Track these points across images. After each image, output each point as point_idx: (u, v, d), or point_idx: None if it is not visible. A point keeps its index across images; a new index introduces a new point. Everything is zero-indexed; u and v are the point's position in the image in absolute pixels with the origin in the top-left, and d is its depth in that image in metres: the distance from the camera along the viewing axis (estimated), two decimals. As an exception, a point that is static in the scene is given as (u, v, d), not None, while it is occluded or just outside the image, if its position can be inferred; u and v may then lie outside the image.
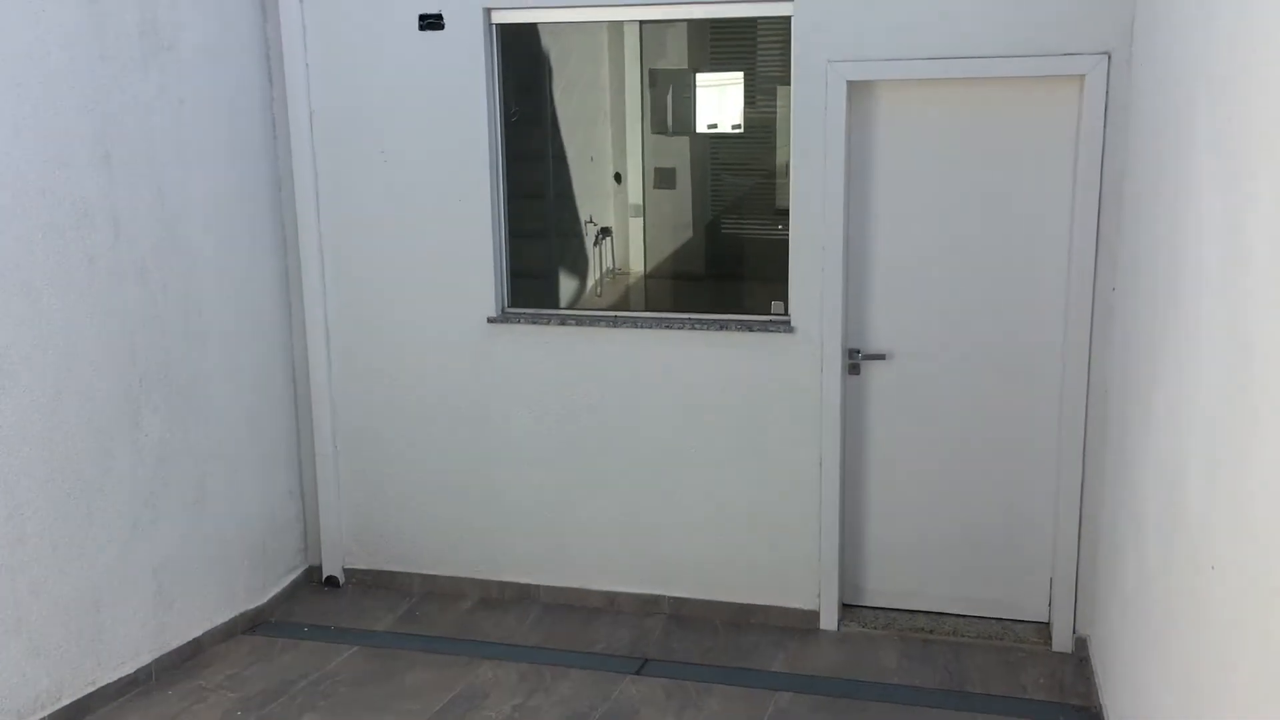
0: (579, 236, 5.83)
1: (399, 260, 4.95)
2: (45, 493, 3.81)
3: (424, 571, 5.18)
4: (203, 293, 4.51)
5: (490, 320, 4.88)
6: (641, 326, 4.75)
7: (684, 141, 5.46)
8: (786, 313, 4.64)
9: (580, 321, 4.80)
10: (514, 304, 4.96)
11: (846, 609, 4.86)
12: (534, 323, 4.84)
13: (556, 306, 4.97)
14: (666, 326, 4.72)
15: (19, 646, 3.72)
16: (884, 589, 4.83)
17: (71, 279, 3.89)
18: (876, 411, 4.69)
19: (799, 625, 4.79)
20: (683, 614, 4.91)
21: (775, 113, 4.69)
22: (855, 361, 4.67)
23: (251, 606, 4.85)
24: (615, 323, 4.78)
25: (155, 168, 4.23)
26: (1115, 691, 3.77)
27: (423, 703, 4.18)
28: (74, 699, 3.94)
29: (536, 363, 4.88)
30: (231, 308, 4.68)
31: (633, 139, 5.49)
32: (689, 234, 5.50)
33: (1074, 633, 4.53)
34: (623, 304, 5.64)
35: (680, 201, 5.54)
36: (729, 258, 5.23)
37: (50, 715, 3.84)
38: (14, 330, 3.68)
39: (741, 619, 4.85)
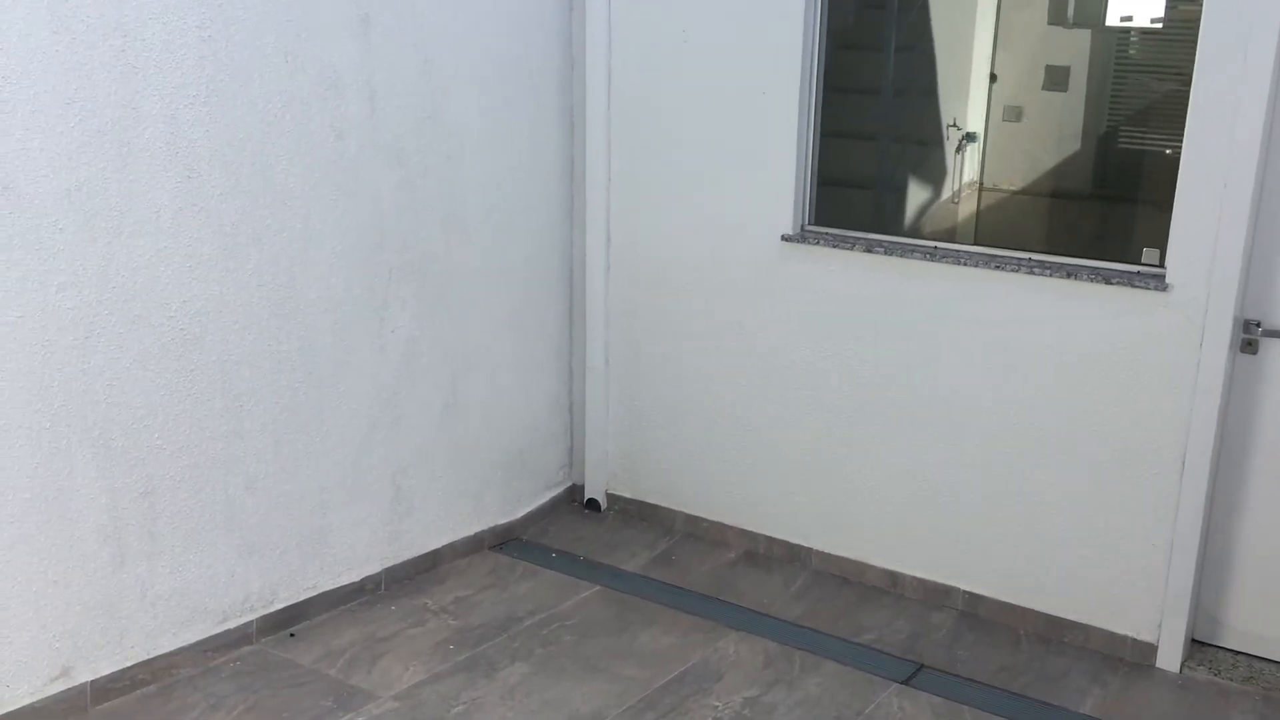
0: (926, 143, 4.97)
1: (691, 157, 4.28)
2: (270, 385, 3.54)
3: (688, 511, 4.62)
4: (470, 179, 4.07)
5: (785, 238, 4.13)
6: (965, 263, 3.82)
7: (1084, 35, 4.54)
8: (1162, 264, 3.55)
9: (889, 250, 3.94)
10: (817, 220, 4.16)
11: (1196, 647, 3.80)
12: (835, 246, 4.04)
13: (871, 228, 4.11)
14: (997, 266, 3.77)
15: (228, 543, 3.52)
16: (1251, 630, 3.72)
17: (314, 156, 3.54)
18: (1275, 403, 3.54)
19: (1127, 657, 3.80)
20: (978, 614, 4.05)
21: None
22: (1252, 337, 3.52)
23: (502, 522, 4.50)
24: (934, 255, 3.89)
25: (423, 35, 3.78)
26: None
27: (646, 673, 3.64)
28: (289, 603, 3.74)
29: (833, 293, 4.09)
30: (503, 198, 4.22)
31: (1019, 29, 4.63)
32: (1075, 146, 4.52)
33: None
34: (957, 231, 4.73)
35: (1070, 107, 4.56)
36: (1120, 180, 4.26)
37: (261, 618, 3.65)
38: (244, 207, 3.38)
39: (1052, 634, 3.92)
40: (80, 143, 2.95)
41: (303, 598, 3.78)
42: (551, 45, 4.28)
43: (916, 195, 5.03)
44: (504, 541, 4.51)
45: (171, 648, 3.40)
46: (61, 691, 3.14)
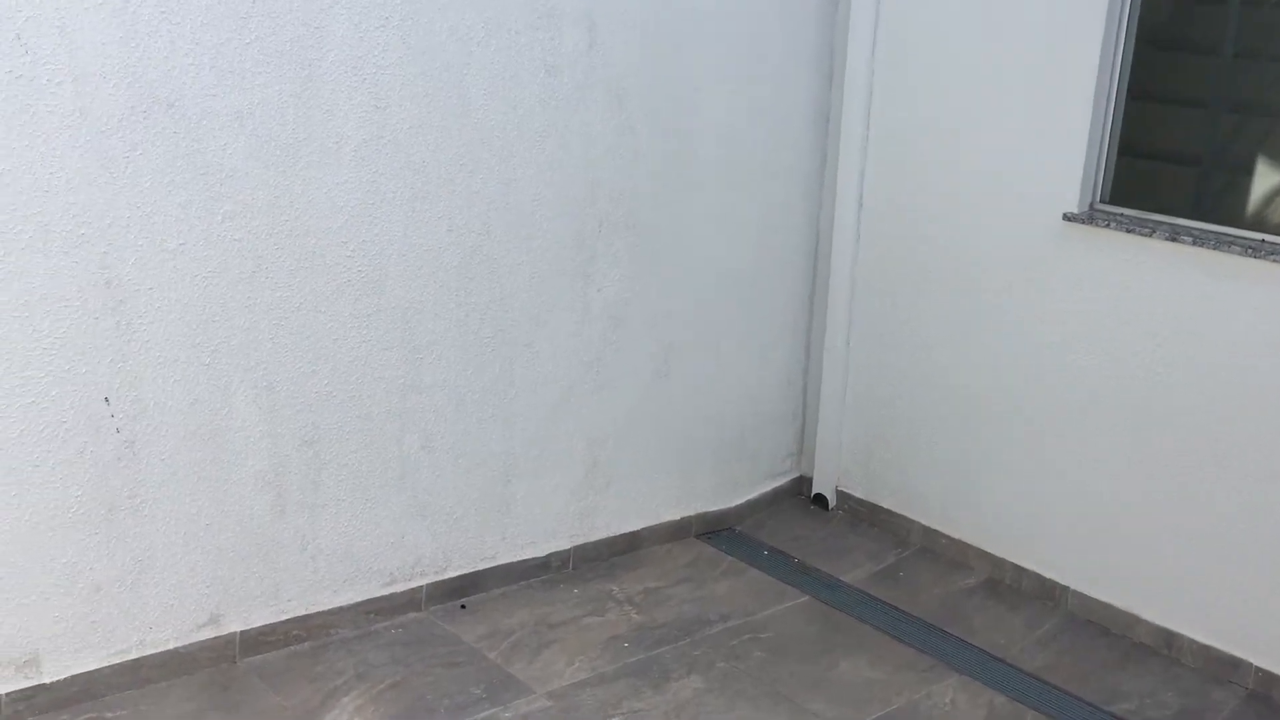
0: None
1: (963, 113, 3.65)
2: (455, 338, 3.27)
3: (926, 522, 4.02)
4: (701, 126, 3.63)
5: (1068, 217, 3.43)
6: (1299, 262, 3.01)
7: None
8: None
9: (1199, 239, 3.18)
10: (1113, 199, 3.44)
11: None
12: (1129, 230, 3.31)
13: (1187, 213, 3.34)
14: (1344, 269, 2.94)
15: (400, 502, 3.29)
16: None
17: (520, 92, 3.21)
18: None
19: None
20: (1272, 697, 3.26)
21: None
22: None
23: (713, 509, 4.09)
24: (1257, 251, 3.09)
25: (657, -40, 3.37)
26: None
27: (838, 710, 3.13)
28: (463, 572, 3.48)
29: (1124, 287, 3.36)
30: (739, 150, 3.75)
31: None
32: None
33: None
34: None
35: None
36: None
37: (431, 585, 3.42)
38: (437, 143, 3.09)
39: (1371, 743, 3.08)
40: (256, 61, 2.74)
41: (479, 568, 3.52)
42: (811, -24, 3.76)
43: (1262, 178, 4.14)
44: (714, 531, 4.09)
45: (330, 606, 3.22)
46: (209, 639, 3.02)
